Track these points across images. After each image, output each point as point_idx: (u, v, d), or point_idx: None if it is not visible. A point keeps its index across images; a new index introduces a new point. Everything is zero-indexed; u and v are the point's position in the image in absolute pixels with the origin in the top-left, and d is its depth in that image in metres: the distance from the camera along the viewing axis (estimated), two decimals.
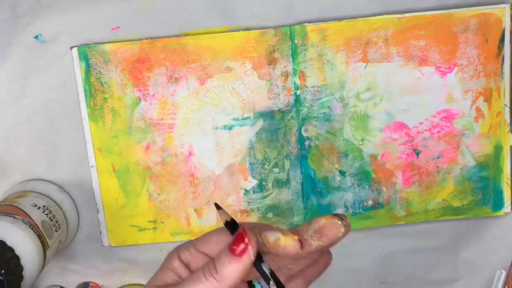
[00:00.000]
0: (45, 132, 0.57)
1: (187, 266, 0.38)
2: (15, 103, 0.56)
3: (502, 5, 0.54)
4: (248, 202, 0.58)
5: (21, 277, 0.48)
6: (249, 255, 0.34)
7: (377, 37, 0.55)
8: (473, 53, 0.55)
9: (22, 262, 0.48)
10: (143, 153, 0.56)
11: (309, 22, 0.55)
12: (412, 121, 0.57)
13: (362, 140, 0.57)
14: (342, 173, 0.57)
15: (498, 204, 0.58)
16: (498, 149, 0.57)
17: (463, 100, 0.56)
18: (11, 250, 0.47)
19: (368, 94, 0.56)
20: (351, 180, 0.57)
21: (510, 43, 0.55)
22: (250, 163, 0.57)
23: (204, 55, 0.55)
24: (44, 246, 0.51)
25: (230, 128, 0.57)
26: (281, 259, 0.38)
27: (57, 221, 0.54)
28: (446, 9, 0.55)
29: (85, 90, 0.55)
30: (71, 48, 0.55)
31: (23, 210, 0.51)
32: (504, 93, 0.56)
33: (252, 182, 0.57)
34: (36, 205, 0.53)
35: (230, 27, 0.55)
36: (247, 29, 0.55)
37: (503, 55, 0.55)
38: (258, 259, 0.35)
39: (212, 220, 0.58)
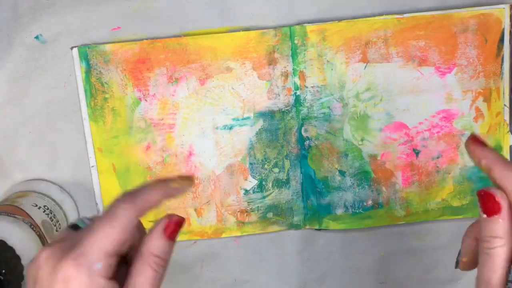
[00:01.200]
0: (45, 132, 0.57)
1: None
2: (16, 103, 0.56)
3: (502, 6, 0.55)
4: (248, 202, 0.58)
5: (21, 277, 0.48)
6: None
7: (376, 37, 0.55)
8: (473, 53, 0.55)
9: (23, 261, 0.48)
10: (143, 153, 0.56)
11: (309, 23, 0.55)
12: (412, 121, 0.57)
13: (362, 140, 0.57)
14: (342, 173, 0.57)
15: None
16: (497, 149, 0.57)
17: (463, 100, 0.56)
18: (11, 250, 0.47)
19: (367, 94, 0.56)
20: (351, 180, 0.58)
21: (510, 43, 0.55)
22: (250, 163, 0.57)
23: (204, 55, 0.55)
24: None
25: (230, 128, 0.57)
26: None
27: (58, 221, 0.54)
28: (445, 10, 0.55)
29: (85, 90, 0.55)
30: (72, 48, 0.55)
31: (23, 210, 0.51)
32: (503, 93, 0.56)
33: (252, 182, 0.58)
34: (36, 205, 0.53)
35: (230, 27, 0.55)
36: (247, 29, 0.55)
37: (503, 55, 0.55)
38: None
39: (212, 220, 0.58)
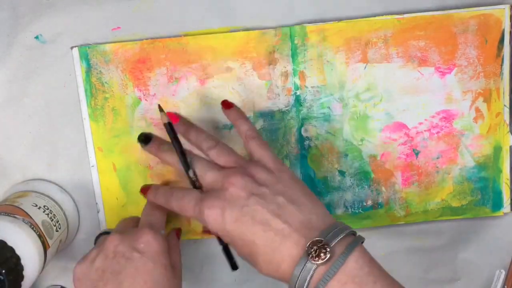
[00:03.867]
0: (45, 132, 0.57)
1: None
2: (16, 103, 0.56)
3: (502, 6, 0.55)
4: None
5: (21, 277, 0.48)
6: None
7: (376, 37, 0.55)
8: (473, 53, 0.55)
9: (23, 262, 0.48)
10: (144, 152, 0.56)
11: (309, 23, 0.55)
12: (412, 122, 0.57)
13: (362, 140, 0.57)
14: (342, 173, 0.57)
15: (497, 204, 0.58)
16: (497, 149, 0.57)
17: (463, 100, 0.56)
18: (11, 250, 0.47)
19: (367, 95, 0.56)
20: (350, 180, 0.58)
21: (510, 43, 0.55)
22: None
23: (204, 55, 0.55)
24: (45, 246, 0.51)
25: (230, 127, 0.57)
26: None
27: (58, 221, 0.54)
28: (445, 10, 0.55)
29: (85, 90, 0.55)
30: (72, 48, 0.55)
31: (23, 210, 0.51)
32: (503, 94, 0.56)
33: None
34: (36, 205, 0.53)
35: (230, 27, 0.55)
36: (247, 29, 0.55)
37: (503, 56, 0.56)
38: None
39: None
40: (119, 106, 0.56)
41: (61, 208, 0.56)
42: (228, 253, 0.51)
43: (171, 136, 0.50)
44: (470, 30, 0.55)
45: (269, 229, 0.44)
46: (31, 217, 0.51)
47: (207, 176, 0.48)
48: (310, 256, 0.42)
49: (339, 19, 0.55)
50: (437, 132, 0.57)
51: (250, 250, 0.45)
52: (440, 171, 0.58)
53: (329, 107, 0.56)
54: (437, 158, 0.57)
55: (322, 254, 0.42)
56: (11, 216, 0.50)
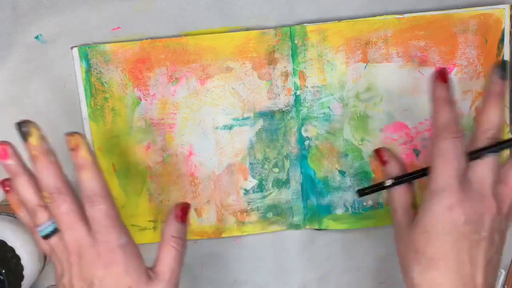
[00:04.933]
0: (45, 132, 0.57)
1: None
2: (16, 103, 0.56)
3: (502, 6, 0.55)
4: (248, 202, 0.58)
5: (21, 277, 0.48)
6: None
7: (377, 37, 0.55)
8: (473, 53, 0.55)
9: (23, 261, 0.48)
10: (143, 153, 0.56)
11: (309, 22, 0.55)
12: (412, 121, 0.57)
13: (362, 140, 0.57)
14: (342, 173, 0.57)
15: None
16: None
17: (463, 100, 0.56)
18: (11, 249, 0.47)
19: (368, 95, 0.56)
20: (351, 180, 0.58)
21: (510, 43, 0.55)
22: (250, 163, 0.57)
23: (204, 55, 0.55)
24: None
25: (230, 128, 0.57)
26: None
27: None
28: (445, 10, 0.55)
29: (85, 90, 0.55)
30: (72, 48, 0.55)
31: None
32: None
33: (252, 182, 0.58)
34: None
35: (230, 27, 0.55)
36: (247, 29, 0.55)
37: (503, 56, 0.55)
38: None
39: (212, 220, 0.58)
40: (119, 106, 0.56)
41: None
42: (378, 188, 0.52)
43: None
44: (470, 30, 0.55)
45: (469, 266, 0.45)
46: None
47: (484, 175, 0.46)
48: None
49: (339, 19, 0.55)
50: None
51: (433, 254, 0.45)
52: None
53: (329, 107, 0.56)
54: None
55: None
56: (11, 216, 0.50)
